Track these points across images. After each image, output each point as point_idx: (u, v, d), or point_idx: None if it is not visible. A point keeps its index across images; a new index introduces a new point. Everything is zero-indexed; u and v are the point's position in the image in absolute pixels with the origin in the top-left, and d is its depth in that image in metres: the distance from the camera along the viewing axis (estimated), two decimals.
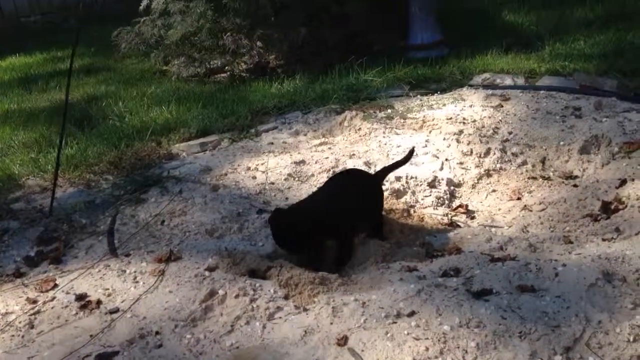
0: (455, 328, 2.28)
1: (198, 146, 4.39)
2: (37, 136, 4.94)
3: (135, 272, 2.90)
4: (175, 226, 3.33)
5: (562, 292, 2.40)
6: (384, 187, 3.54)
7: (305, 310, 2.53)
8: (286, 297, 2.62)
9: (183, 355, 2.34)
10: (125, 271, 2.91)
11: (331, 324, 2.40)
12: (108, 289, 2.79)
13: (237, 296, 2.60)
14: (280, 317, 2.50)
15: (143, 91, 6.08)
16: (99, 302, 2.69)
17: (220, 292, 2.63)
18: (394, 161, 3.46)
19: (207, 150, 4.34)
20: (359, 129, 4.36)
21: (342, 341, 2.29)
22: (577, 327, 2.22)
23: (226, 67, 6.46)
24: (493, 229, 3.33)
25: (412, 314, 2.38)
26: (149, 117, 5.11)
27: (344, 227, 2.98)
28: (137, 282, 2.83)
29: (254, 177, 3.80)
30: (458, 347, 2.20)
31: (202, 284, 2.73)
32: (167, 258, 2.96)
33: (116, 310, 2.63)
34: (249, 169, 3.89)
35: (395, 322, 2.35)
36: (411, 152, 3.41)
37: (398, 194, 3.64)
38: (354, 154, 3.96)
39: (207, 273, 2.81)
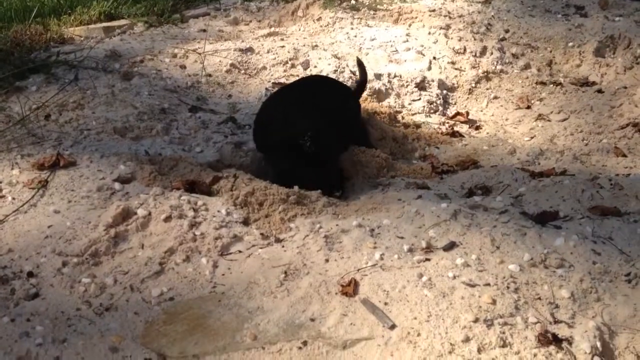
0: (526, 268, 1.45)
1: (101, 30, 3.25)
2: None
3: (0, 182, 1.85)
4: (66, 122, 2.26)
5: None
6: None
7: (278, 240, 1.61)
8: (246, 222, 1.69)
9: (76, 312, 1.36)
10: None
11: (326, 260, 1.49)
12: None
13: (167, 218, 1.63)
14: (239, 251, 1.57)
15: None
16: None
17: (140, 211, 1.65)
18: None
19: (115, 36, 3.22)
20: (319, 18, 3.39)
21: (350, 288, 1.39)
22: None
23: None
24: (510, 140, 2.52)
25: (451, 246, 1.53)
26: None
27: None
28: (2, 196, 1.79)
29: (183, 67, 2.76)
30: (539, 298, 1.37)
31: (110, 200, 1.74)
32: (52, 163, 1.92)
33: None
34: (175, 56, 2.83)
35: (429, 259, 1.48)
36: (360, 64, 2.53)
37: (379, 95, 2.74)
38: (316, 45, 2.99)
39: (117, 185, 1.81)
